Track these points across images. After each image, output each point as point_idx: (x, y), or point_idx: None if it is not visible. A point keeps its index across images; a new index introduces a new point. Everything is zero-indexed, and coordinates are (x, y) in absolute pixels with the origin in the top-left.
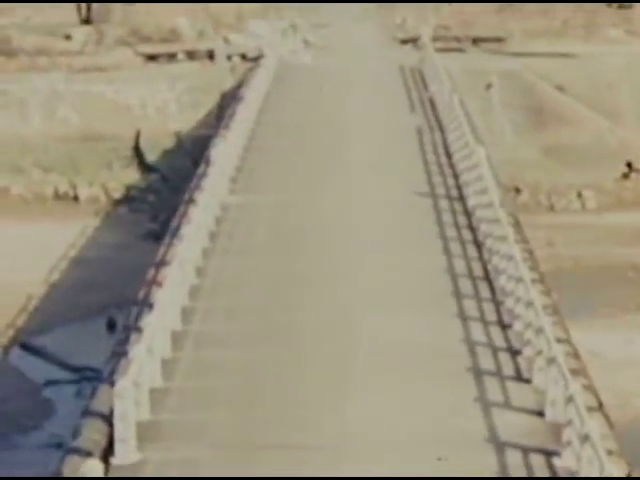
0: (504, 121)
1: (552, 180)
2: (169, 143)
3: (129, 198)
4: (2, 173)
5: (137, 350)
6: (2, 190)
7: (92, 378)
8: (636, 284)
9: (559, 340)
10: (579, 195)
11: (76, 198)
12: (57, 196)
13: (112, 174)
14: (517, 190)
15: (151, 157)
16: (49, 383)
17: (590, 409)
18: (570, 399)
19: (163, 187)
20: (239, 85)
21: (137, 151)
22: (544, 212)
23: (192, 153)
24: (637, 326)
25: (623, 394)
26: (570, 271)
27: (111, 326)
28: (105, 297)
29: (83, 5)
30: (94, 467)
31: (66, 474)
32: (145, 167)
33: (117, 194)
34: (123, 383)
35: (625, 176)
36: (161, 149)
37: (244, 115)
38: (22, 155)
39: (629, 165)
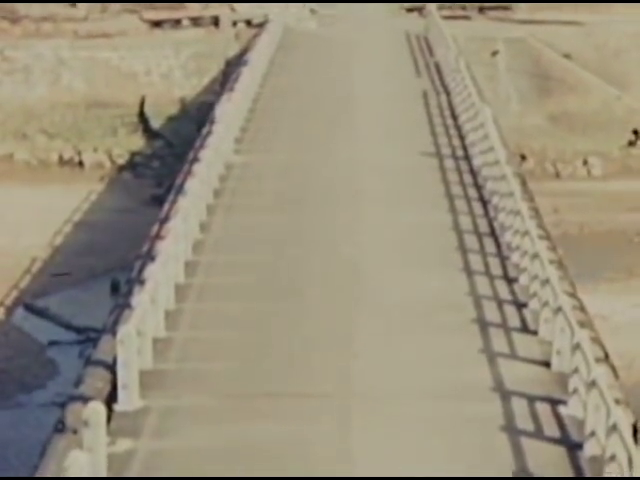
0: (510, 88)
1: (558, 147)
2: (174, 109)
3: (134, 164)
4: (7, 139)
5: (140, 298)
6: (7, 156)
7: (96, 339)
8: None
9: (565, 293)
10: (585, 162)
11: (81, 164)
12: (62, 162)
13: (117, 140)
14: (523, 157)
15: (156, 123)
16: (53, 343)
17: (596, 360)
18: (576, 347)
19: (168, 153)
20: (244, 52)
21: (142, 117)
22: (550, 179)
23: (197, 119)
24: None
25: (628, 356)
26: (575, 237)
27: (115, 288)
28: (109, 260)
29: None
30: (96, 410)
31: (68, 420)
32: (150, 133)
33: (122, 160)
34: (126, 329)
35: (631, 144)
36: (166, 115)
37: (249, 78)
38: (27, 121)
39: (635, 132)
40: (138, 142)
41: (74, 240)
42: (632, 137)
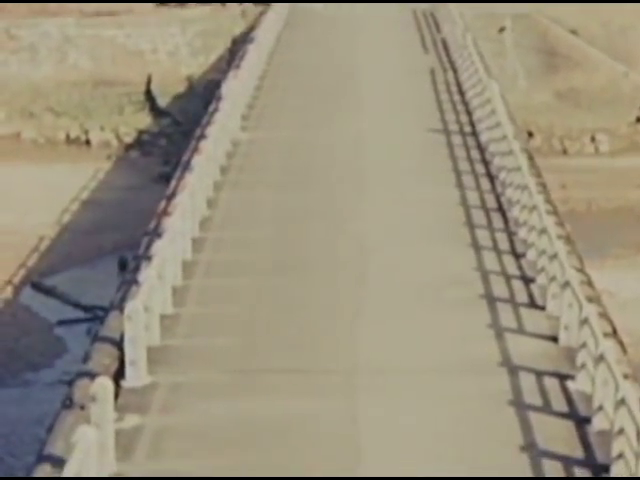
0: (517, 65)
1: (565, 124)
2: (181, 88)
3: (141, 142)
4: (14, 118)
5: (147, 274)
6: (14, 135)
7: (103, 317)
8: None
9: (573, 268)
10: (592, 139)
11: (88, 142)
12: (69, 140)
13: (124, 119)
14: (530, 134)
15: (163, 102)
16: (61, 322)
17: (604, 335)
18: (584, 321)
19: (175, 131)
20: (250, 29)
21: (149, 95)
22: (557, 156)
23: (204, 97)
24: None
25: (636, 333)
26: (583, 213)
27: (123, 266)
28: (117, 238)
29: None
30: (104, 385)
31: (76, 396)
32: (157, 112)
33: (129, 138)
34: (133, 305)
35: (639, 120)
36: (173, 93)
37: (255, 55)
38: (33, 100)
39: None
40: (145, 120)
41: (82, 218)
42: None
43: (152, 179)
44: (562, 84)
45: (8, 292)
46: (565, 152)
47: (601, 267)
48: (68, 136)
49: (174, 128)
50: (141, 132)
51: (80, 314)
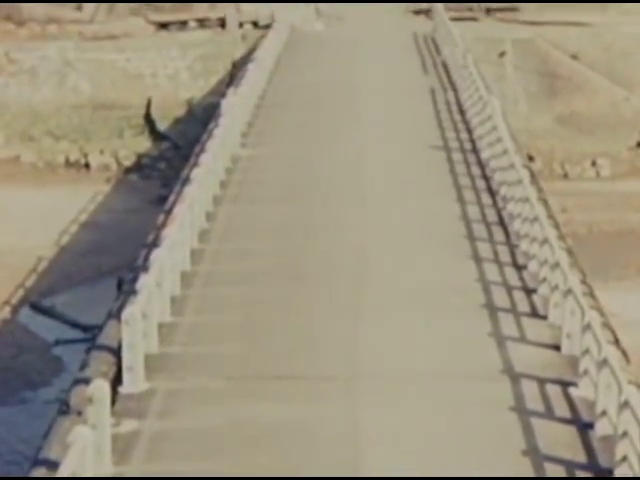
0: (518, 89)
1: (566, 148)
2: (180, 111)
3: (140, 166)
4: (13, 141)
5: (145, 281)
6: (13, 158)
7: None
8: None
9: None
10: (593, 163)
11: (87, 166)
12: (68, 164)
13: (123, 142)
14: (531, 158)
15: (162, 125)
16: (59, 342)
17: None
18: (587, 327)
19: (174, 155)
20: (251, 53)
21: (148, 119)
22: (558, 180)
23: (203, 121)
24: None
25: (637, 354)
26: (584, 236)
27: (121, 286)
28: (115, 259)
29: None
30: (100, 386)
31: (73, 401)
32: (156, 135)
33: (128, 162)
34: (131, 310)
35: None
36: (172, 117)
37: (256, 75)
38: (33, 123)
39: None
40: (144, 144)
41: (80, 240)
42: None
43: (151, 202)
44: (563, 108)
45: (6, 312)
46: (566, 176)
47: (604, 289)
48: (67, 159)
49: (173, 152)
50: (140, 156)
51: (78, 334)
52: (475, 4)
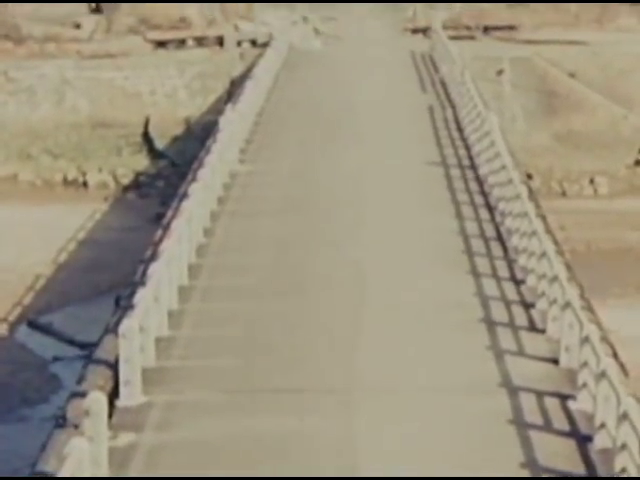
0: (516, 107)
1: (564, 166)
2: (178, 129)
3: (138, 184)
4: (11, 160)
5: (142, 294)
6: (11, 176)
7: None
8: None
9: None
10: (591, 181)
11: (85, 184)
12: (66, 182)
13: (121, 160)
14: (529, 176)
15: (160, 143)
16: (56, 359)
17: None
18: (585, 340)
19: (172, 173)
20: (249, 71)
21: (146, 137)
22: (556, 198)
23: (201, 139)
24: None
25: (636, 370)
26: (583, 254)
27: (119, 304)
28: (113, 277)
29: None
30: (97, 399)
31: (70, 414)
32: (154, 153)
33: (126, 180)
34: (128, 324)
35: (638, 163)
36: (170, 135)
37: (254, 91)
38: (31, 142)
39: None
40: (142, 162)
41: (78, 257)
42: (639, 156)
43: (149, 220)
44: (561, 126)
45: (4, 329)
46: (564, 194)
47: (602, 306)
48: (65, 178)
49: (171, 170)
50: (138, 174)
51: (76, 351)
52: (473, 23)
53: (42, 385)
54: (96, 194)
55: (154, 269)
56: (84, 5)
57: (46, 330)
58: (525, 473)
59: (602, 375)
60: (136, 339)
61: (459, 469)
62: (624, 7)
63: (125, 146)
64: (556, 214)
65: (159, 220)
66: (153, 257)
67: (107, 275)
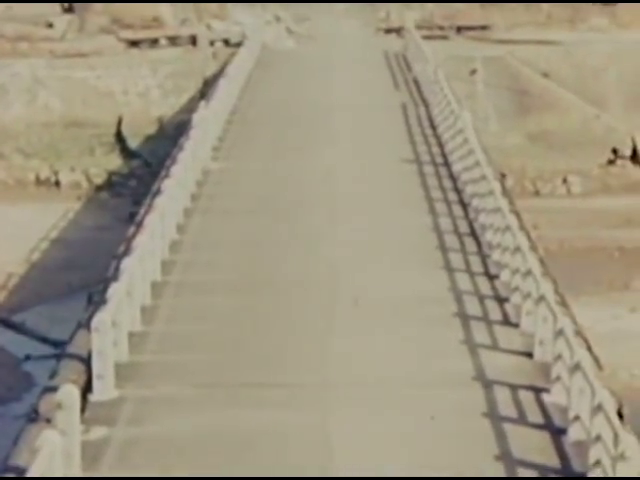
0: (489, 107)
1: (537, 166)
2: (151, 129)
3: (111, 183)
4: None
5: (115, 288)
6: None
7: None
8: (622, 264)
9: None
10: (564, 180)
11: (57, 184)
12: (38, 182)
13: (94, 160)
14: (502, 175)
15: (133, 143)
16: (29, 357)
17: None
18: (559, 333)
19: (145, 173)
20: (222, 71)
21: (119, 137)
22: (529, 197)
23: (174, 139)
24: (623, 303)
25: (610, 367)
26: (556, 253)
27: (91, 301)
28: (86, 276)
29: None
30: (70, 392)
31: (42, 409)
32: (127, 153)
33: (99, 180)
34: (100, 317)
35: (611, 162)
36: (143, 135)
37: (226, 90)
38: (3, 141)
39: (615, 151)
40: (115, 161)
41: (51, 257)
42: (611, 156)
43: (122, 219)
44: (534, 126)
45: None
46: (537, 193)
47: (575, 304)
48: (38, 177)
49: (144, 169)
50: (111, 173)
51: (48, 349)
52: (446, 23)
53: (15, 383)
54: (69, 193)
55: (127, 264)
56: (57, 5)
57: (19, 328)
58: (500, 465)
59: (576, 367)
60: (109, 332)
61: (434, 462)
62: (596, 7)
63: (98, 145)
64: (529, 213)
65: (132, 219)
66: (126, 252)
67: (80, 274)
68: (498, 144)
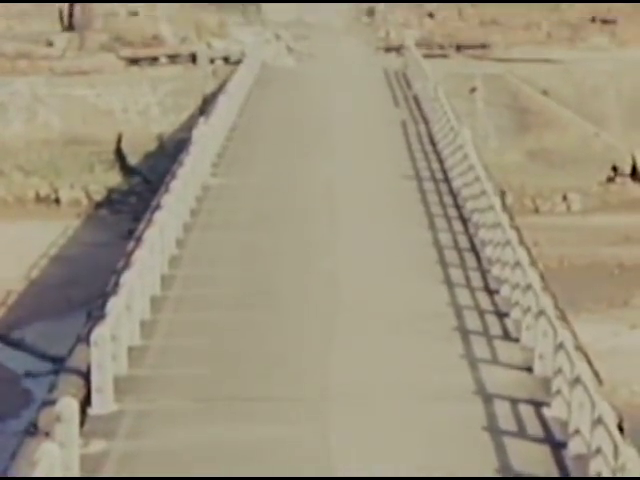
0: (488, 125)
1: (537, 184)
2: (151, 146)
3: (111, 201)
4: None
5: (114, 302)
6: None
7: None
8: (622, 281)
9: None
10: (564, 198)
11: (57, 201)
12: (38, 199)
13: (94, 177)
14: (502, 192)
15: (133, 160)
16: (28, 374)
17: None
18: (560, 346)
19: (145, 190)
20: (221, 88)
21: (119, 154)
22: (529, 215)
23: (174, 156)
24: (623, 320)
25: (610, 383)
26: (556, 270)
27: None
28: (86, 293)
29: (65, 7)
30: (69, 404)
31: (41, 422)
32: (127, 170)
33: (99, 197)
34: (99, 331)
35: (610, 180)
36: (143, 152)
37: (226, 106)
38: (3, 159)
39: (614, 169)
40: (115, 179)
41: (51, 273)
42: (611, 173)
43: (121, 236)
44: (534, 144)
45: None
46: (537, 211)
47: (575, 320)
48: (38, 195)
49: (144, 186)
50: (111, 190)
51: (48, 366)
52: (446, 42)
53: (14, 400)
54: (68, 211)
55: (126, 278)
56: (57, 23)
57: (18, 345)
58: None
59: (576, 380)
60: (108, 346)
61: (434, 475)
62: (595, 26)
63: (97, 163)
64: (529, 230)
65: (131, 236)
66: (125, 267)
67: (79, 291)
68: (498, 161)
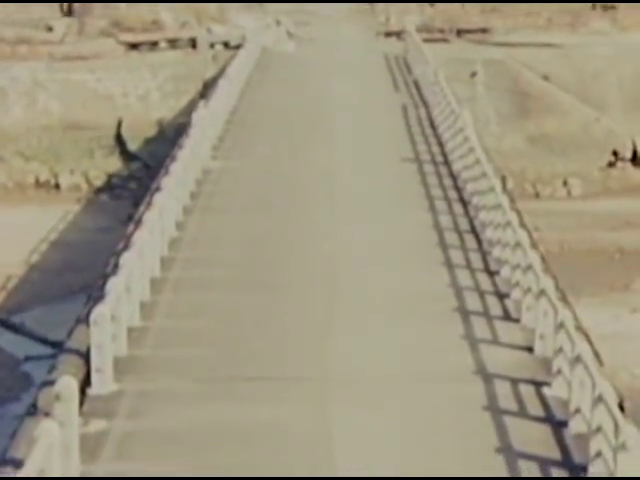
0: (489, 110)
1: (537, 168)
2: (151, 131)
3: (111, 186)
4: None
5: (113, 282)
6: None
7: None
8: (623, 265)
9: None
10: (565, 183)
11: (57, 186)
12: (38, 184)
13: (94, 162)
14: (503, 177)
15: (133, 145)
16: (28, 358)
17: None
18: (560, 326)
19: (145, 175)
20: (221, 73)
21: (119, 139)
22: (529, 200)
23: (174, 141)
24: (624, 304)
25: (611, 367)
26: (556, 255)
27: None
28: (86, 278)
29: None
30: (68, 383)
31: (41, 401)
32: (127, 155)
33: (98, 182)
34: (99, 310)
35: (611, 165)
36: (143, 137)
37: (226, 90)
38: (3, 144)
39: (615, 154)
40: (115, 164)
41: (51, 258)
42: (612, 158)
43: (121, 221)
44: (534, 129)
45: None
46: (537, 196)
47: (576, 304)
48: (37, 180)
49: (144, 172)
50: (111, 176)
51: (48, 350)
52: (446, 26)
53: (14, 384)
54: (68, 196)
55: (126, 259)
56: (56, 8)
57: (18, 329)
58: (500, 458)
59: (577, 359)
60: (107, 325)
61: (435, 456)
62: (596, 11)
63: (97, 148)
64: (530, 216)
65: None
66: (125, 248)
67: (79, 276)
68: (498, 147)
